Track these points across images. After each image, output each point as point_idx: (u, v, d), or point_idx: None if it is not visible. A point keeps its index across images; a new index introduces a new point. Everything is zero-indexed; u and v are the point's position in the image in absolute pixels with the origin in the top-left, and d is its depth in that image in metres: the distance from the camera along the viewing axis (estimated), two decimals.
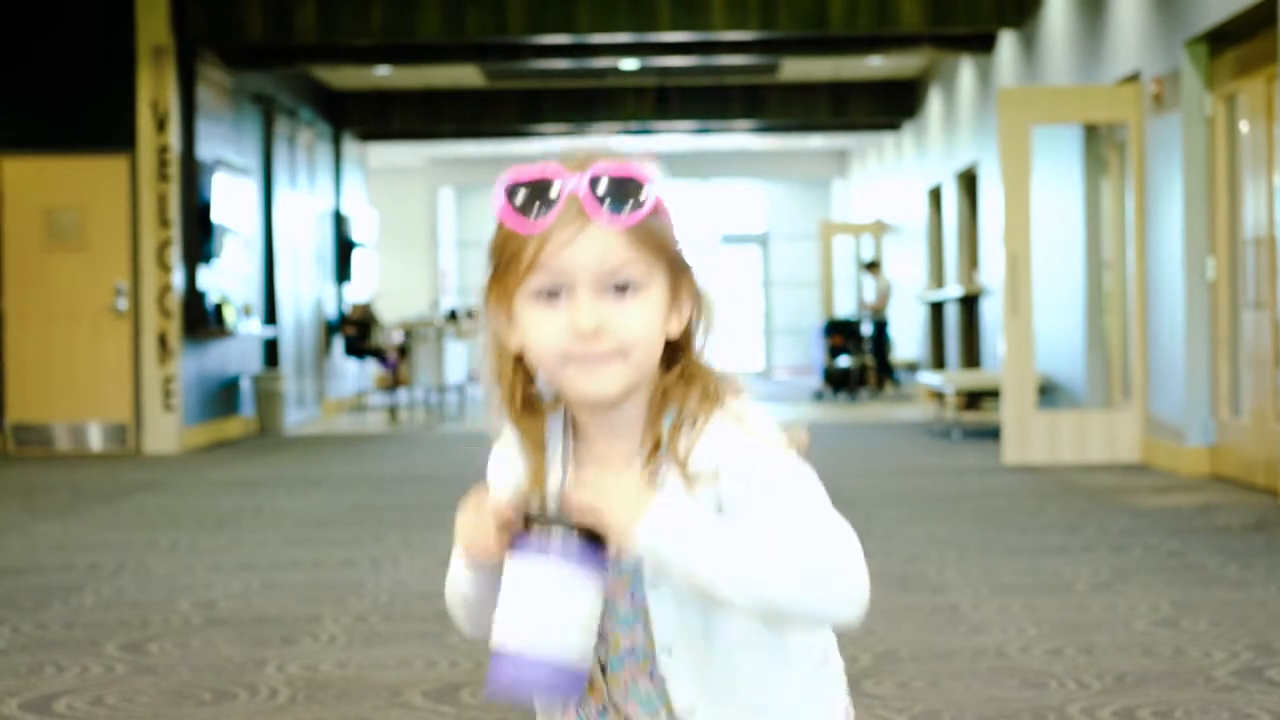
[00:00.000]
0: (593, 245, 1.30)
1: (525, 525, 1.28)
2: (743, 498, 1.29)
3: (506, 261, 1.33)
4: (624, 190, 1.30)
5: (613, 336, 1.30)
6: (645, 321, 1.32)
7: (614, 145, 1.36)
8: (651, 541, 1.24)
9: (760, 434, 1.32)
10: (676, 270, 1.34)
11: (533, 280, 1.32)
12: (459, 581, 1.39)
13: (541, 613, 1.25)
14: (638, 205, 1.30)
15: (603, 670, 1.38)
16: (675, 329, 1.35)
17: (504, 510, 1.30)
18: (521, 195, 1.31)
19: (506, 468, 1.43)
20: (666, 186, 1.33)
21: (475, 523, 1.31)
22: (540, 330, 1.32)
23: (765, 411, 1.34)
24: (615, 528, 1.24)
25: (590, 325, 1.30)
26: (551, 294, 1.31)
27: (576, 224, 1.30)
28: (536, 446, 1.39)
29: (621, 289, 1.31)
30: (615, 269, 1.30)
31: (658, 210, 1.32)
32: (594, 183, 1.30)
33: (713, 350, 1.37)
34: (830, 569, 1.27)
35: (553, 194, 1.30)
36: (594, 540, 1.25)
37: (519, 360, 1.37)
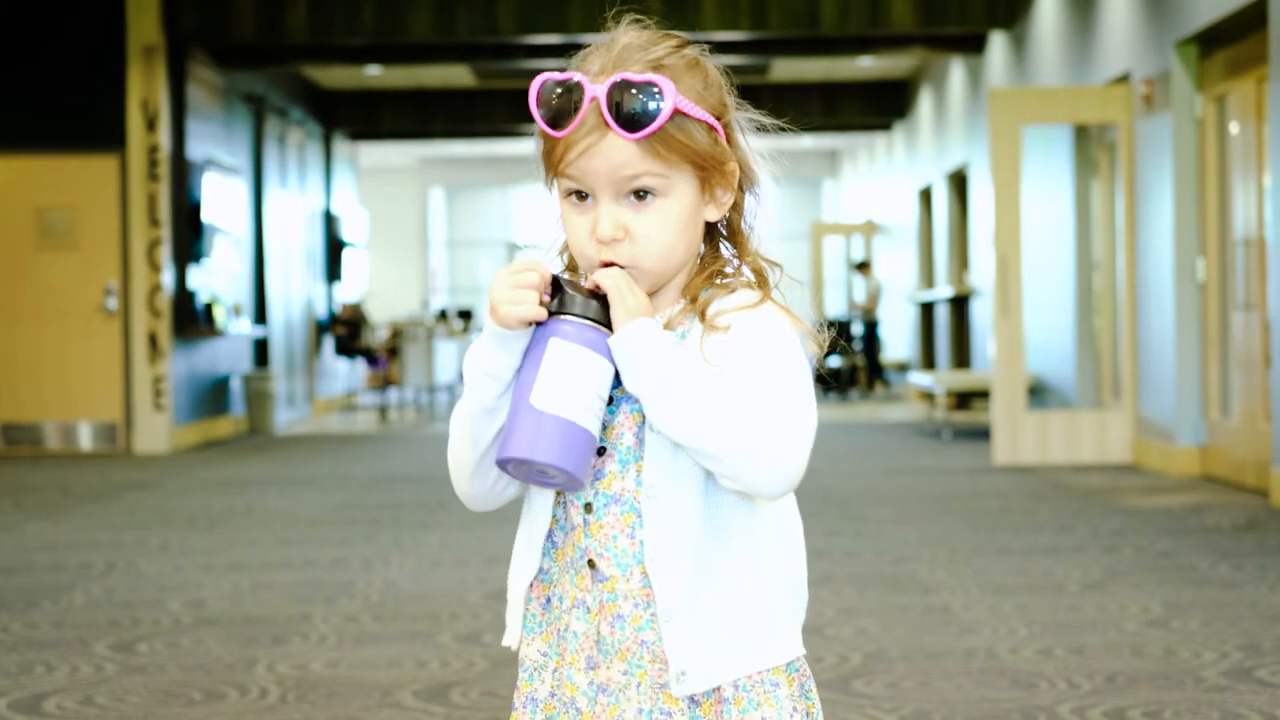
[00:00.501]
0: (610, 154, 1.34)
1: (555, 294, 1.34)
2: (732, 352, 1.33)
3: (543, 159, 1.39)
4: (641, 101, 1.33)
5: (628, 246, 1.36)
6: (660, 230, 1.36)
7: (643, 45, 1.38)
8: (627, 341, 1.31)
9: (776, 312, 1.38)
10: (707, 166, 1.37)
11: (563, 180, 1.38)
12: (476, 380, 1.37)
13: (565, 380, 1.31)
14: (652, 117, 1.33)
15: (588, 510, 1.38)
16: (713, 214, 1.40)
17: (544, 272, 1.35)
18: (547, 99, 1.36)
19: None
20: (698, 80, 1.37)
21: (516, 283, 1.34)
22: (571, 230, 1.39)
23: (791, 303, 1.39)
24: (614, 318, 1.32)
25: (608, 233, 1.35)
26: (580, 195, 1.37)
27: (596, 133, 1.34)
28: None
29: (641, 195, 1.35)
30: (631, 178, 1.35)
31: (678, 115, 1.35)
32: (612, 92, 1.33)
33: (761, 233, 1.43)
34: (768, 438, 1.29)
35: (575, 101, 1.34)
36: (603, 325, 1.33)
37: None
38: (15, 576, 5.29)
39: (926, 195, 15.04)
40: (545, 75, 1.37)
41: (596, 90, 1.34)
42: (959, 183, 13.59)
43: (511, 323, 1.33)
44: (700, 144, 1.36)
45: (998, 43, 11.39)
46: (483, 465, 1.39)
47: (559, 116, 1.35)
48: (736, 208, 1.42)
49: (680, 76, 1.36)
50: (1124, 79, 8.59)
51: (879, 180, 17.82)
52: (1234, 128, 7.48)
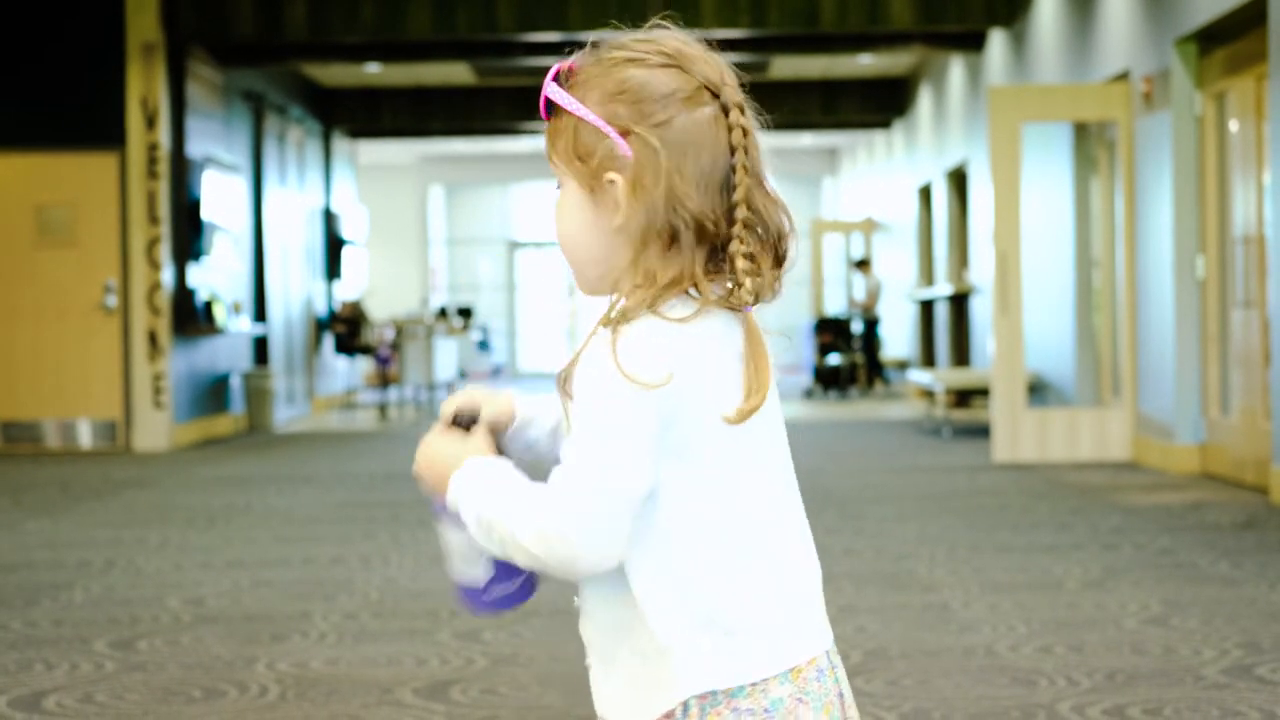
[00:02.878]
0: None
1: None
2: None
3: None
4: (548, 101, 1.36)
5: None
6: (559, 218, 1.37)
7: (611, 44, 1.37)
8: (454, 496, 1.34)
9: (612, 357, 1.25)
10: (588, 167, 1.32)
11: None
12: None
13: (451, 553, 1.41)
14: (547, 109, 1.36)
15: None
16: (620, 221, 1.30)
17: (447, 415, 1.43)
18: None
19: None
20: (609, 83, 1.32)
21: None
22: None
23: (656, 334, 1.26)
24: (436, 487, 1.37)
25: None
26: None
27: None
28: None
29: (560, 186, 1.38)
30: (551, 165, 1.38)
31: (558, 114, 1.35)
32: (542, 88, 1.37)
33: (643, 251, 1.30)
34: (531, 535, 1.26)
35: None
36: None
37: None
38: (15, 574, 5.29)
39: (926, 193, 15.04)
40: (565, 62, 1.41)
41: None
42: (959, 180, 13.59)
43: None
44: (574, 146, 1.32)
45: (997, 40, 11.38)
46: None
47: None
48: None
49: (594, 77, 1.33)
50: (1123, 77, 8.59)
51: (878, 178, 17.81)
52: (1233, 125, 7.48)
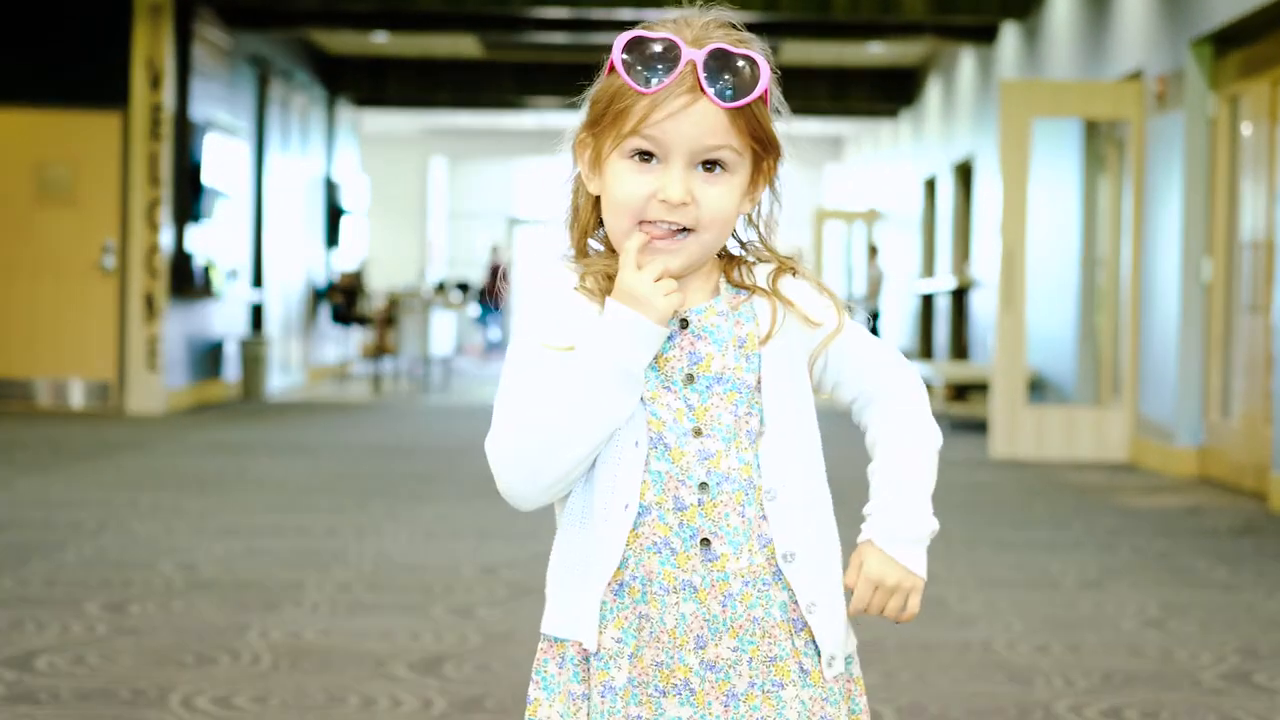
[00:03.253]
0: (697, 120, 1.34)
1: None
2: (836, 343, 1.45)
3: (614, 115, 1.37)
4: (737, 72, 1.34)
5: (694, 210, 1.36)
6: (725, 203, 1.37)
7: (729, 25, 1.40)
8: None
9: (825, 296, 1.45)
10: (761, 155, 1.40)
11: (632, 140, 1.36)
12: (619, 384, 1.36)
13: None
14: (747, 89, 1.35)
15: (703, 489, 1.38)
16: (747, 207, 1.42)
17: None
18: (641, 55, 1.35)
19: (567, 306, 1.41)
20: (774, 74, 1.39)
21: (655, 278, 1.36)
22: (627, 186, 1.37)
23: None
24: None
25: (678, 196, 1.35)
26: (645, 155, 1.36)
27: (687, 96, 1.34)
28: (598, 288, 1.41)
29: (710, 166, 1.36)
30: (711, 147, 1.36)
31: (763, 96, 1.37)
32: (711, 58, 1.34)
33: (776, 232, 1.47)
34: None
35: (671, 61, 1.34)
36: None
37: (594, 205, 1.42)
38: (6, 532, 5.26)
39: (931, 185, 14.99)
40: (635, 32, 1.37)
41: (694, 54, 1.34)
42: (964, 174, 13.55)
43: (669, 315, 1.36)
44: (771, 129, 1.39)
45: (1009, 34, 11.33)
46: (581, 463, 1.38)
47: (649, 74, 1.34)
48: (762, 217, 1.46)
49: (765, 69, 1.38)
50: (1137, 75, 8.55)
51: (883, 168, 17.77)
52: (1246, 129, 7.44)
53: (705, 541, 1.38)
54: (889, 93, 15.63)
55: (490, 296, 21.18)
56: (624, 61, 1.35)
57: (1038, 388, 10.32)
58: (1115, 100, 8.60)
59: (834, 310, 1.44)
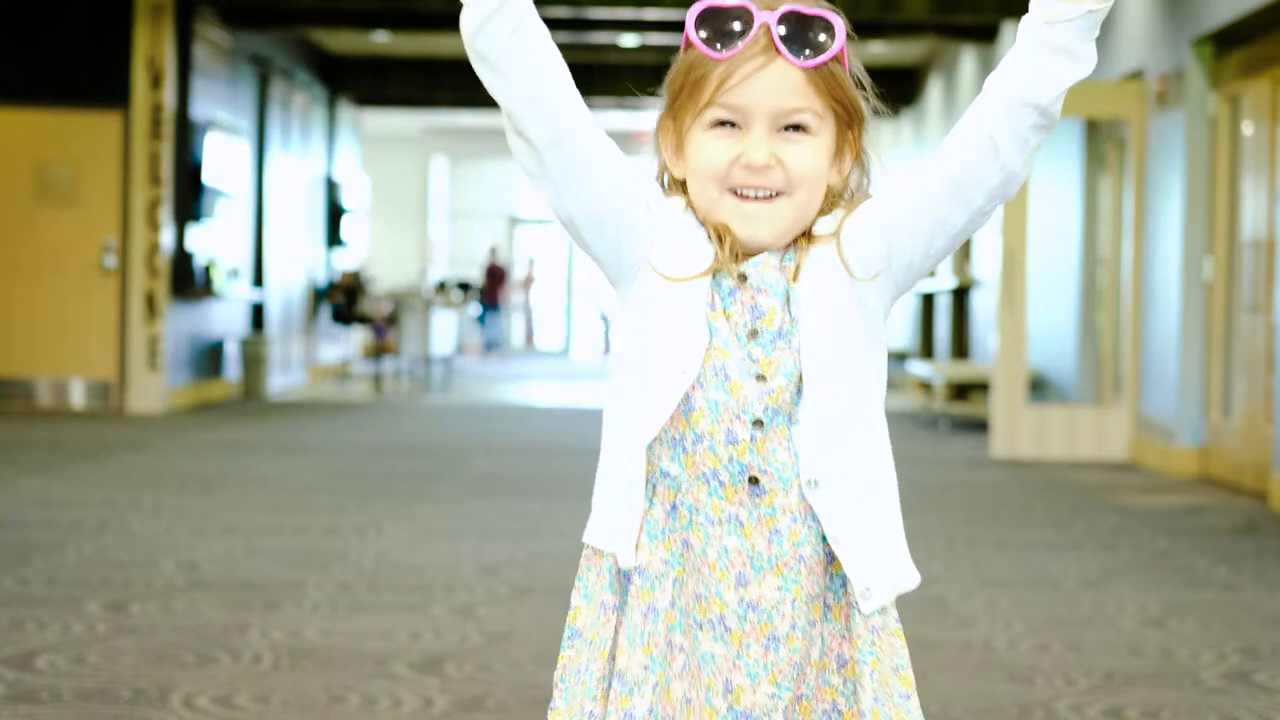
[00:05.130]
0: (775, 82, 1.34)
1: None
2: (886, 202, 1.41)
3: (690, 86, 1.37)
4: (812, 32, 1.34)
5: (780, 172, 1.35)
6: (812, 163, 1.37)
7: None
8: None
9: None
10: (845, 122, 1.39)
11: (711, 110, 1.36)
12: None
13: None
14: (823, 48, 1.34)
15: (757, 425, 1.38)
16: (836, 180, 1.40)
17: None
18: (714, 23, 1.35)
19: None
20: (851, 41, 1.39)
21: None
22: (709, 154, 1.36)
23: None
24: None
25: (761, 159, 1.35)
26: (726, 125, 1.36)
27: (762, 58, 1.34)
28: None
29: (793, 130, 1.36)
30: (791, 110, 1.35)
31: (840, 58, 1.37)
32: (785, 20, 1.34)
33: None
34: None
35: (744, 26, 1.34)
36: None
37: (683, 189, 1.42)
38: (8, 532, 5.26)
39: None
40: (706, 2, 1.37)
41: (767, 16, 1.34)
42: None
43: None
44: (852, 93, 1.38)
45: (1010, 33, 11.33)
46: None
47: (723, 40, 1.34)
48: (843, 195, 1.44)
49: (846, 37, 1.39)
50: (1138, 75, 8.54)
51: (885, 166, 17.74)
52: (1247, 128, 7.44)
53: (754, 480, 1.37)
54: (890, 92, 15.43)
55: (488, 297, 21.18)
56: (698, 31, 1.35)
57: (1038, 387, 10.32)
58: (1116, 100, 8.59)
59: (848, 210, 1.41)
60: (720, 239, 1.38)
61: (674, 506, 1.39)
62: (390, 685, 3.33)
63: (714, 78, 1.34)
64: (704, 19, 1.35)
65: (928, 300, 14.86)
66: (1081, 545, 5.48)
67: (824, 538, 1.39)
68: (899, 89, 15.63)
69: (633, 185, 1.39)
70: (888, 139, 17.55)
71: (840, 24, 1.35)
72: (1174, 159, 7.91)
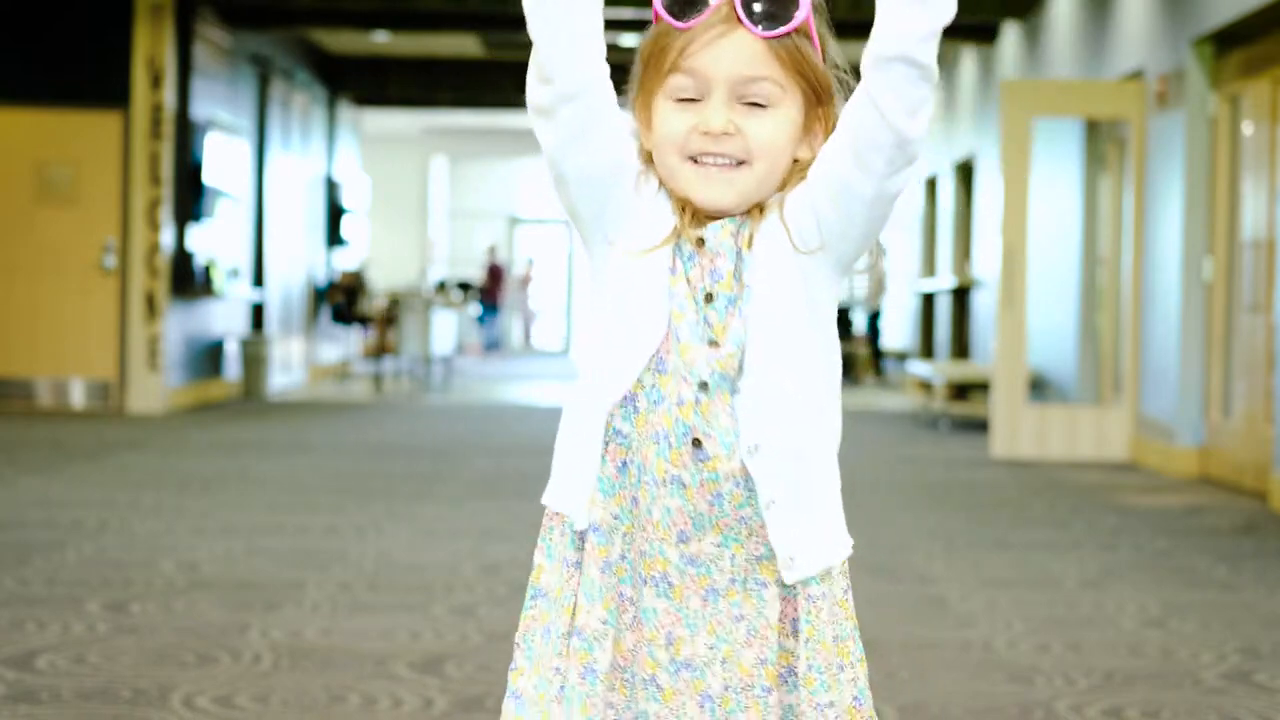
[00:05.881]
0: (735, 51, 1.35)
1: None
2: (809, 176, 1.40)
3: (656, 55, 1.38)
4: (776, 4, 1.35)
5: (739, 140, 1.36)
6: (773, 134, 1.37)
7: None
8: None
9: None
10: (814, 97, 1.39)
11: (674, 79, 1.37)
12: None
13: None
14: (784, 19, 1.35)
15: (703, 388, 1.39)
16: (807, 154, 1.41)
17: None
18: None
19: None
20: (821, 16, 1.40)
21: None
22: (669, 124, 1.38)
23: None
24: None
25: (719, 125, 1.36)
26: (688, 99, 1.38)
27: (723, 27, 1.35)
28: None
29: (755, 104, 1.37)
30: (751, 79, 1.36)
31: (805, 31, 1.37)
32: None
33: None
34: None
35: None
36: None
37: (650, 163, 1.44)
38: (8, 532, 5.26)
39: (932, 184, 14.99)
40: None
41: None
42: (965, 173, 13.55)
43: None
44: (820, 68, 1.38)
45: (1010, 33, 11.33)
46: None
47: (686, 10, 1.35)
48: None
49: (815, 12, 1.39)
50: (1138, 75, 8.54)
51: None
52: (1247, 128, 7.44)
53: (697, 442, 1.39)
54: None
55: (488, 296, 21.18)
56: (663, 1, 1.37)
57: (1038, 387, 10.32)
58: (1116, 100, 8.59)
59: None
60: (683, 209, 1.40)
61: (624, 464, 1.41)
62: (390, 685, 3.33)
63: (676, 45, 1.36)
64: None
65: (928, 300, 14.86)
66: (1081, 545, 5.48)
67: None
68: None
69: (631, 159, 1.41)
70: None
71: (807, 11, 1.36)
72: (1174, 159, 7.91)
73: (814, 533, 1.41)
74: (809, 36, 1.37)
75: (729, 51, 1.34)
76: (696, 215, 1.41)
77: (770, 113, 1.36)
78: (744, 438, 1.39)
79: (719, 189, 1.37)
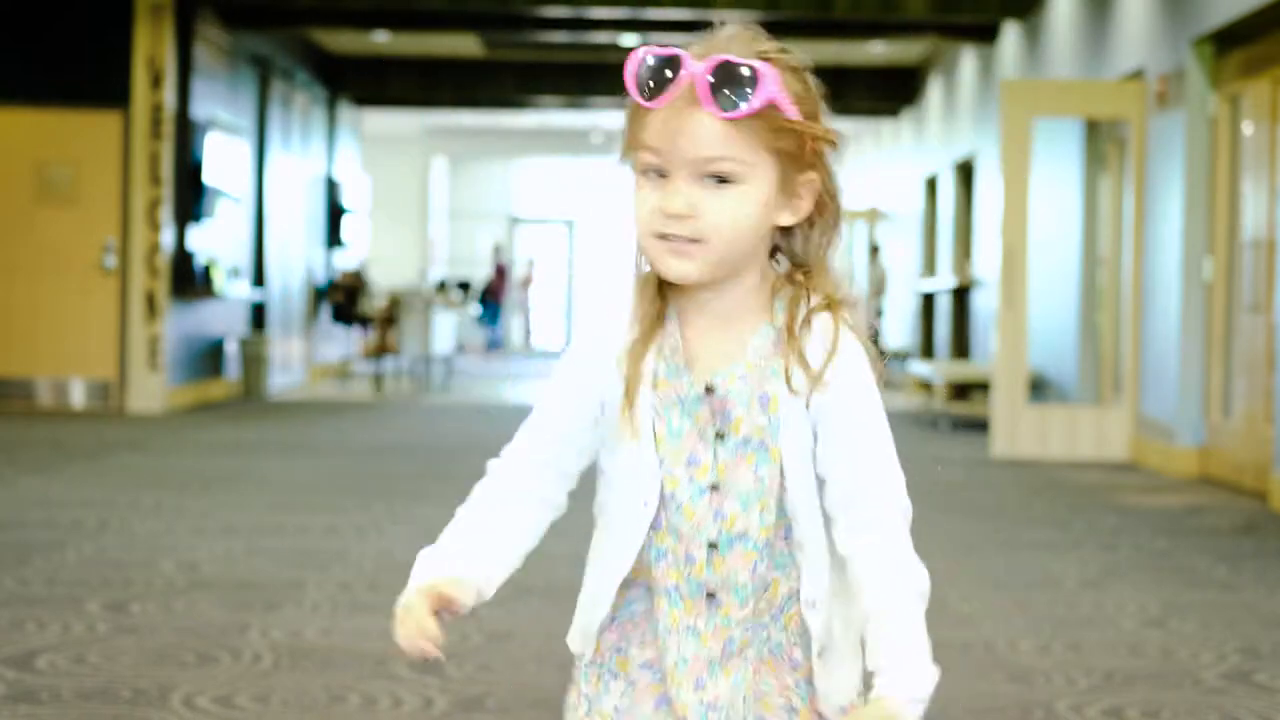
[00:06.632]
0: (696, 132, 1.35)
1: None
2: (836, 415, 1.39)
3: (630, 128, 1.40)
4: (737, 83, 1.34)
5: (695, 223, 1.36)
6: (734, 214, 1.37)
7: (750, 38, 1.39)
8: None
9: (856, 348, 1.41)
10: (792, 164, 1.38)
11: (644, 155, 1.38)
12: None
13: None
14: (745, 100, 1.34)
15: (712, 548, 1.41)
16: (787, 219, 1.40)
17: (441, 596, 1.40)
18: (646, 71, 1.37)
19: (609, 338, 1.46)
20: (799, 84, 1.38)
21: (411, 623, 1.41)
22: (639, 202, 1.39)
23: (863, 329, 1.43)
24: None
25: (676, 208, 1.36)
26: (660, 173, 1.38)
27: (687, 109, 1.35)
28: (650, 310, 1.43)
29: (721, 180, 1.36)
30: (712, 159, 1.36)
31: (773, 106, 1.36)
32: (715, 70, 1.34)
33: (832, 249, 1.44)
34: (899, 509, 1.46)
35: (672, 75, 1.35)
36: None
37: None
38: (8, 531, 5.26)
39: (932, 184, 14.99)
40: (646, 48, 1.38)
41: (695, 67, 1.35)
42: (965, 173, 13.55)
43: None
44: (787, 143, 1.37)
45: (1011, 33, 11.33)
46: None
47: (653, 88, 1.36)
48: (814, 229, 1.43)
49: (783, 73, 1.37)
50: (1138, 75, 8.54)
51: (884, 167, 17.76)
52: (1247, 128, 7.44)
53: (711, 595, 1.42)
54: (890, 92, 15.62)
55: (494, 295, 21.18)
56: (631, 78, 1.37)
57: (1038, 387, 10.32)
58: (1116, 100, 8.59)
59: (852, 372, 1.40)
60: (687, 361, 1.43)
61: (638, 615, 1.47)
62: (390, 685, 3.33)
63: (643, 123, 1.37)
64: (638, 64, 1.37)
65: (928, 300, 14.86)
66: (1082, 545, 5.48)
67: (778, 643, 1.44)
68: (899, 89, 15.63)
69: (592, 411, 1.45)
70: (888, 139, 17.55)
71: (771, 75, 1.35)
72: (1174, 159, 7.91)
73: (849, 675, 1.46)
74: (779, 108, 1.36)
75: (692, 132, 1.35)
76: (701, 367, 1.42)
77: (734, 189, 1.36)
78: (804, 592, 1.42)
79: (683, 264, 1.38)
